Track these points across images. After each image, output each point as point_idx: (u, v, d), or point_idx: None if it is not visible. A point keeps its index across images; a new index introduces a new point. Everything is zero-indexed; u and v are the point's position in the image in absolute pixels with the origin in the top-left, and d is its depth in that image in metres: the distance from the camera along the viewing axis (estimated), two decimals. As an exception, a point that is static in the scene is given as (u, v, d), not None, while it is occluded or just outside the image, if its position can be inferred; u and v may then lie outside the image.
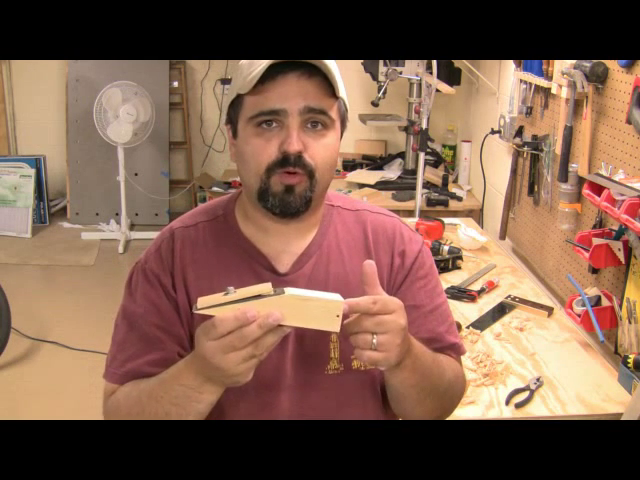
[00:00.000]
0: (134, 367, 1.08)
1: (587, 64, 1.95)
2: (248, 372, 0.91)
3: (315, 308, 0.90)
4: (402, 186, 3.43)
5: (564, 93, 2.13)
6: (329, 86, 1.02)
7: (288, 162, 1.01)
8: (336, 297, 0.92)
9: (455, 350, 1.18)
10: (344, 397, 1.12)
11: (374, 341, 0.92)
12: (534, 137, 2.51)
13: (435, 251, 2.39)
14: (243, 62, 1.05)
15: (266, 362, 0.95)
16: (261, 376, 1.05)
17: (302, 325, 0.90)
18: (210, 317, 0.89)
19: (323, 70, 0.99)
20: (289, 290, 0.91)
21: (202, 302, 0.90)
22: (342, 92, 1.06)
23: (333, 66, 1.03)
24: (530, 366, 1.75)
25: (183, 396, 0.97)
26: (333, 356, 1.10)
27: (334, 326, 0.91)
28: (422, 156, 3.08)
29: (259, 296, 0.90)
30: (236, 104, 1.05)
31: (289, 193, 1.03)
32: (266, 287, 0.91)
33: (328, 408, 1.11)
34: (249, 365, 0.90)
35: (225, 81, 4.62)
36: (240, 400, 1.08)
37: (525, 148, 2.55)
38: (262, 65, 0.98)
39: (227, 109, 1.09)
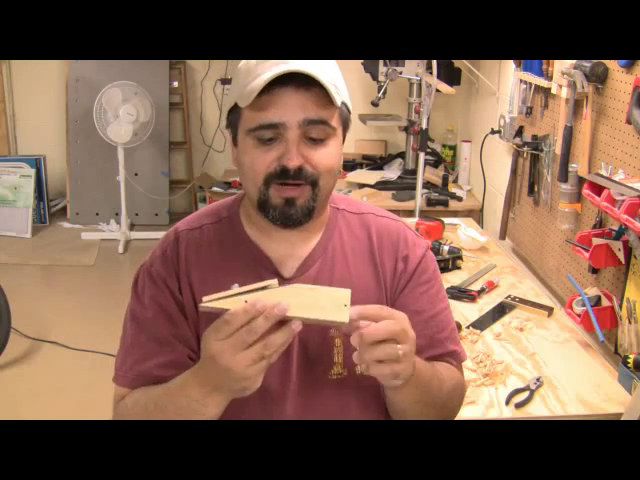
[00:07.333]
0: (143, 370, 1.08)
1: (587, 64, 1.95)
2: (257, 377, 0.90)
3: (322, 297, 0.90)
4: (402, 186, 3.43)
5: (564, 93, 2.13)
6: (329, 95, 0.99)
7: (287, 175, 1.00)
8: (343, 289, 0.92)
9: (455, 357, 1.18)
10: (346, 402, 1.11)
11: (400, 352, 0.90)
12: (534, 137, 2.51)
13: (435, 251, 2.39)
14: (241, 66, 1.04)
15: (272, 367, 0.94)
16: (267, 382, 1.05)
17: (310, 316, 0.90)
18: (216, 316, 0.89)
19: (320, 82, 0.97)
20: (295, 284, 0.91)
21: (207, 299, 0.90)
22: (345, 97, 1.04)
23: (332, 74, 1.01)
24: (530, 366, 1.75)
25: (187, 408, 0.97)
26: (337, 361, 1.10)
27: (342, 316, 0.90)
28: (422, 156, 3.08)
29: (265, 287, 0.90)
30: (235, 112, 1.05)
31: (290, 205, 1.02)
32: (272, 281, 0.91)
33: (330, 413, 1.10)
34: (258, 368, 0.88)
35: (225, 81, 4.61)
36: (244, 406, 1.06)
37: (525, 148, 2.55)
38: (259, 79, 0.97)
39: (227, 113, 1.07)
